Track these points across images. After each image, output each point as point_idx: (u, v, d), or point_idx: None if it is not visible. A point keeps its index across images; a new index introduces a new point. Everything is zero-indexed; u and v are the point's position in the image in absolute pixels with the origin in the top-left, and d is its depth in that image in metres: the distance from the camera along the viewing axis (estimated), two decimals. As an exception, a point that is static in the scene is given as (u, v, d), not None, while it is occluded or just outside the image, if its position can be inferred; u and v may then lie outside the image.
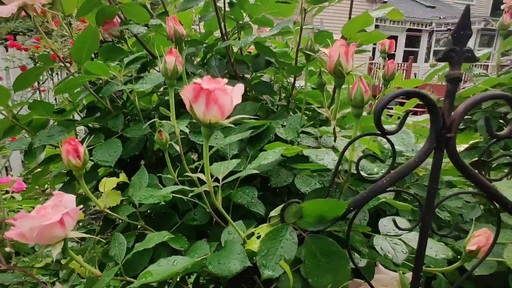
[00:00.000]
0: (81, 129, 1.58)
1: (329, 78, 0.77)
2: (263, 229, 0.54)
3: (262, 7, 0.98)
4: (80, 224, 1.29)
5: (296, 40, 0.95)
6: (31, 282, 0.87)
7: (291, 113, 1.07)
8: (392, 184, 0.51)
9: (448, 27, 13.64)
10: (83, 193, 0.92)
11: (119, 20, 0.98)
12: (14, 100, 2.96)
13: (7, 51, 3.35)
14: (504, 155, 0.58)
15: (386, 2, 12.23)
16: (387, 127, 0.48)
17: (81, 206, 0.56)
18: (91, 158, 0.79)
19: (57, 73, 3.37)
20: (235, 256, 0.52)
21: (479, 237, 0.62)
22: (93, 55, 0.89)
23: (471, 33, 0.45)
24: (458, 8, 15.91)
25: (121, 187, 0.82)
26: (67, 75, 0.91)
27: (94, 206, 1.24)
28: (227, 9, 1.00)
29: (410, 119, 0.96)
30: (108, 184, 0.69)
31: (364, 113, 0.95)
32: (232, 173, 0.61)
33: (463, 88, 1.16)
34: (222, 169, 0.60)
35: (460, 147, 1.10)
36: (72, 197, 0.55)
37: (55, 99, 3.10)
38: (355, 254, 0.67)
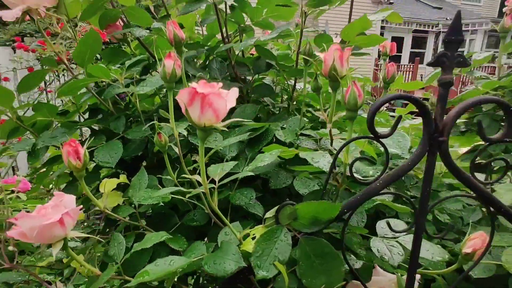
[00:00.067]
0: (87, 129, 1.60)
1: (325, 81, 0.78)
2: (258, 230, 0.54)
3: (263, 11, 0.99)
4: (85, 224, 1.31)
5: (297, 43, 0.96)
6: (36, 281, 0.89)
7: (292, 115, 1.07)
8: (386, 186, 0.52)
9: (455, 28, 13.51)
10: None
11: (122, 23, 0.99)
12: (22, 101, 3.00)
13: (14, 52, 3.41)
14: (496, 159, 0.58)
15: (392, 3, 12.19)
16: (383, 130, 0.49)
17: (81, 206, 0.58)
18: (93, 159, 0.80)
19: (63, 75, 3.41)
20: (230, 256, 0.53)
21: (474, 240, 0.62)
22: (98, 56, 0.91)
23: (462, 38, 0.45)
24: (465, 9, 15.81)
25: (123, 188, 0.84)
26: (70, 78, 0.93)
27: (98, 206, 1.26)
28: (229, 12, 1.01)
29: (408, 122, 0.96)
30: (108, 185, 0.70)
31: (364, 115, 0.95)
32: (229, 174, 0.61)
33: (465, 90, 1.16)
34: (218, 171, 0.60)
35: (463, 150, 1.10)
36: (72, 197, 0.57)
37: (62, 100, 3.13)
38: (352, 256, 0.67)
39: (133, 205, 0.74)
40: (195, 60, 1.11)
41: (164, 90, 1.03)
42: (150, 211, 0.84)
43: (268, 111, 1.10)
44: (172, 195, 0.68)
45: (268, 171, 0.78)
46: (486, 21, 12.64)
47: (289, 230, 0.54)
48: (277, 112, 1.10)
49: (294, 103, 1.10)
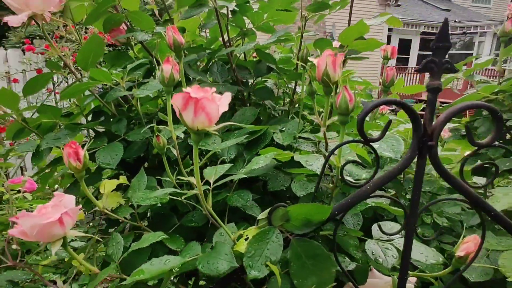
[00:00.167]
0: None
1: (319, 85, 0.79)
2: (251, 232, 0.56)
3: (263, 15, 1.01)
4: (91, 224, 1.33)
5: (297, 47, 0.97)
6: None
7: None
8: (376, 189, 0.53)
9: (464, 31, 13.46)
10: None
11: (126, 27, 1.01)
12: (30, 102, 3.06)
13: (24, 54, 3.47)
14: (485, 163, 0.59)
15: (399, 5, 12.14)
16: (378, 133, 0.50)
17: (80, 206, 0.59)
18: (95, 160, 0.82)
19: (71, 77, 3.45)
20: (223, 256, 0.55)
21: (467, 244, 0.63)
22: (101, 59, 0.93)
23: (450, 45, 0.46)
24: (474, 11, 15.69)
25: (125, 189, 0.85)
26: (74, 81, 0.95)
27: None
28: (230, 16, 1.03)
29: (403, 126, 0.96)
30: (108, 185, 0.72)
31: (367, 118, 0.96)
32: (225, 176, 0.63)
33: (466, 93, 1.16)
34: (213, 173, 0.62)
35: (467, 153, 1.10)
36: (72, 198, 0.59)
37: (70, 100, 3.17)
38: (346, 258, 0.68)
39: (132, 206, 0.75)
40: (198, 63, 1.12)
41: (166, 93, 1.05)
42: (151, 211, 0.86)
43: (269, 114, 1.11)
44: (171, 197, 0.70)
45: (267, 174, 0.79)
46: (495, 24, 12.52)
47: (282, 231, 0.55)
48: (278, 115, 1.11)
49: (297, 105, 1.11)
